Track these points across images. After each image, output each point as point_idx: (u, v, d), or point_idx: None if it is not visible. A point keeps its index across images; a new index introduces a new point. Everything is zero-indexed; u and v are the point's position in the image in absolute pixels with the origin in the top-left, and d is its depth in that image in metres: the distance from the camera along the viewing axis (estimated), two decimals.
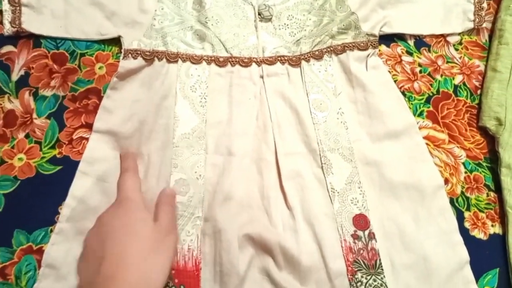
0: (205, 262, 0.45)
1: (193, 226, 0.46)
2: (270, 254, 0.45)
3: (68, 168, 0.48)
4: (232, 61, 0.54)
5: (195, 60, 0.53)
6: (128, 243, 0.38)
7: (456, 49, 0.58)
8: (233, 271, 0.44)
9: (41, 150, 0.49)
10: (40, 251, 0.45)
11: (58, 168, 0.49)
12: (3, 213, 0.46)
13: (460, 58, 0.58)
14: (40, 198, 0.47)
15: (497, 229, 0.50)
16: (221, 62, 0.54)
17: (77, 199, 0.47)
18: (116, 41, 0.54)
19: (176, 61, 0.53)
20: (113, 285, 0.34)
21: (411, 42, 0.58)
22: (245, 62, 0.54)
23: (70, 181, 0.47)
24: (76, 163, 0.48)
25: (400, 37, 0.58)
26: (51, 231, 0.46)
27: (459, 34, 0.59)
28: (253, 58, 0.54)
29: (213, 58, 0.54)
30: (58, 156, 0.49)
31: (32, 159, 0.49)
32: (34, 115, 0.51)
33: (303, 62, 0.54)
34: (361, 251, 0.46)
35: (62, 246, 0.45)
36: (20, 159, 0.49)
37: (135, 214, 0.41)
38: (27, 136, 0.50)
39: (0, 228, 0.46)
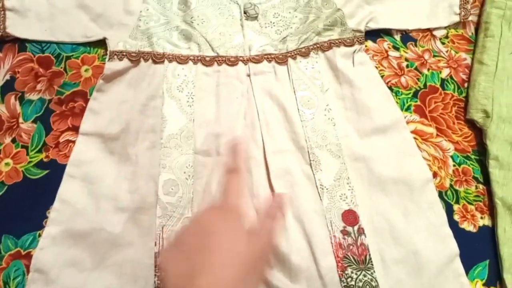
0: None
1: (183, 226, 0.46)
2: None
3: (55, 172, 0.47)
4: (219, 60, 0.53)
5: (182, 60, 0.53)
6: (228, 263, 0.34)
7: (443, 43, 0.58)
8: None
9: (28, 154, 0.49)
10: (29, 256, 0.44)
11: (45, 172, 0.48)
12: None
13: (446, 51, 0.58)
14: (28, 203, 0.46)
15: (486, 221, 0.50)
16: (207, 62, 0.53)
17: (65, 202, 0.46)
18: (101, 43, 0.54)
19: (162, 62, 0.53)
20: None
21: (397, 37, 0.58)
22: (231, 61, 0.53)
23: (58, 184, 0.46)
24: (63, 167, 0.47)
25: (386, 32, 0.58)
26: (39, 235, 0.45)
27: (445, 28, 0.59)
28: (240, 57, 0.54)
29: (199, 57, 0.53)
30: (45, 160, 0.48)
31: (19, 163, 0.48)
32: (21, 120, 0.50)
33: (290, 60, 0.54)
34: (351, 247, 0.46)
35: (51, 250, 0.44)
36: (7, 164, 0.48)
37: (237, 228, 0.37)
38: (13, 140, 0.49)
39: None
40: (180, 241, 0.36)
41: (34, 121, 0.50)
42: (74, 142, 0.49)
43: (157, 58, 0.53)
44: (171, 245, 0.37)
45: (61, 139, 0.49)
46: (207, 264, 0.33)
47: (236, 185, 0.40)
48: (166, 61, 0.53)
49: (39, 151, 0.49)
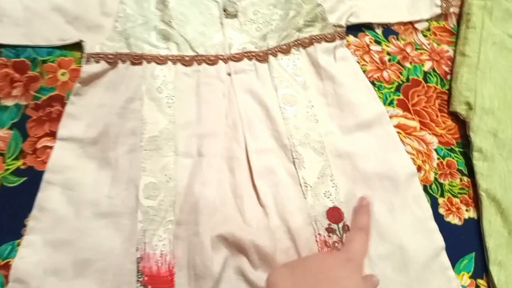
0: (179, 267, 0.44)
1: (165, 230, 0.45)
2: (244, 253, 0.44)
3: (33, 179, 0.46)
4: (198, 60, 0.52)
5: (160, 60, 0.52)
6: None
7: (425, 36, 0.58)
8: (207, 273, 0.42)
9: (4, 162, 0.47)
10: (7, 266, 0.43)
11: (23, 179, 0.47)
12: None
13: (428, 44, 0.57)
14: (5, 212, 0.45)
15: (471, 214, 0.50)
16: (187, 61, 0.52)
17: (44, 210, 0.45)
18: (78, 46, 0.52)
19: (141, 63, 0.52)
20: None
21: (379, 31, 0.57)
22: (211, 60, 0.52)
23: (36, 192, 0.45)
24: (41, 173, 0.46)
25: (367, 27, 0.58)
26: (18, 244, 0.44)
27: (427, 20, 0.59)
28: (220, 55, 0.53)
29: (178, 57, 0.52)
30: (22, 167, 0.47)
31: None
32: None
33: (271, 57, 0.53)
34: (336, 244, 0.46)
35: (30, 259, 0.43)
36: None
37: (360, 281, 0.36)
38: None
39: None
40: (299, 274, 0.36)
41: (10, 128, 0.49)
42: (51, 148, 0.47)
43: (135, 59, 0.51)
44: (288, 270, 0.36)
45: (38, 145, 0.48)
46: None
47: (363, 244, 0.39)
48: (144, 62, 0.52)
49: (16, 158, 0.47)
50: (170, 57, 0.52)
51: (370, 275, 0.38)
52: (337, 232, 0.46)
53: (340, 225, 0.46)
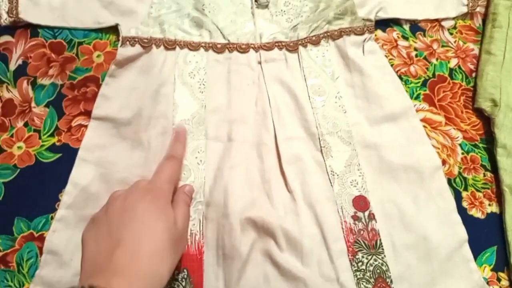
0: (207, 247, 0.45)
1: (195, 211, 0.45)
2: (272, 236, 0.45)
3: (67, 156, 0.47)
4: (230, 48, 0.53)
5: (193, 47, 0.53)
6: (147, 236, 0.35)
7: (451, 33, 0.58)
8: (235, 254, 0.43)
9: (40, 138, 0.48)
10: (42, 238, 0.44)
11: (58, 155, 0.48)
12: (3, 201, 0.45)
13: (454, 42, 0.58)
14: (40, 186, 0.46)
15: (494, 208, 0.50)
16: (218, 49, 0.53)
17: (77, 186, 0.46)
18: (113, 30, 0.53)
19: (174, 48, 0.52)
20: (123, 276, 0.32)
21: (406, 27, 0.58)
22: (242, 48, 0.53)
23: (70, 168, 0.46)
24: (76, 151, 0.47)
25: (395, 22, 0.58)
26: (52, 218, 0.45)
27: (453, 18, 0.59)
28: (251, 44, 0.53)
29: (210, 44, 0.53)
30: (57, 144, 0.48)
31: (31, 147, 0.48)
32: (33, 104, 0.49)
33: (301, 48, 0.53)
34: (362, 232, 0.46)
35: (63, 233, 0.44)
36: (19, 147, 0.48)
37: (162, 207, 0.38)
38: (26, 124, 0.49)
39: (1, 216, 0.45)
40: (103, 218, 0.37)
41: (47, 106, 0.49)
42: (86, 126, 0.48)
43: (169, 45, 0.52)
44: (93, 224, 0.37)
45: (73, 124, 0.49)
46: (127, 237, 0.35)
47: (169, 171, 0.42)
48: (177, 48, 0.52)
49: (52, 135, 0.48)
50: (203, 44, 0.53)
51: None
52: (363, 220, 0.46)
53: (366, 213, 0.47)
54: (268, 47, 0.53)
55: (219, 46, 0.53)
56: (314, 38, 0.54)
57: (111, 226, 0.36)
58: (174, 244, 0.37)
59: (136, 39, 0.51)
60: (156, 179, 0.41)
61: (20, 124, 0.48)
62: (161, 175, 0.42)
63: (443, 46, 0.57)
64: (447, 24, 0.58)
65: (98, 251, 0.35)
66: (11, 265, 0.43)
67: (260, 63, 0.53)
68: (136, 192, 0.39)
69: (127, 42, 0.51)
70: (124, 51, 0.51)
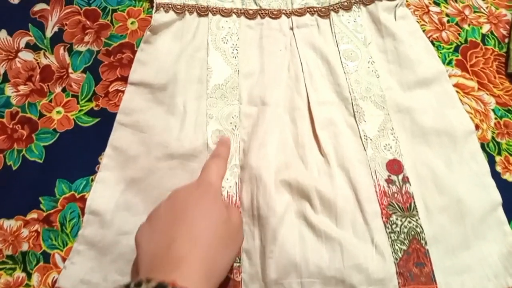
0: (243, 207, 0.43)
1: (231, 173, 0.44)
2: (306, 198, 0.43)
3: (106, 120, 0.46)
4: (262, 13, 0.51)
5: (225, 13, 0.51)
6: (203, 228, 0.34)
7: None
8: (270, 214, 0.41)
9: (78, 103, 0.47)
10: (83, 199, 0.43)
11: (96, 120, 0.46)
12: (45, 164, 0.44)
13: (486, 8, 0.54)
14: (80, 149, 0.45)
15: None
16: (250, 15, 0.51)
17: (116, 149, 0.45)
18: None
19: (207, 15, 0.50)
20: (184, 266, 0.31)
21: None
22: (274, 14, 0.51)
23: (109, 132, 0.45)
24: (114, 115, 0.45)
25: None
26: (92, 180, 0.44)
27: None
28: (283, 10, 0.51)
29: (242, 10, 0.51)
30: (95, 108, 0.47)
31: (70, 112, 0.47)
32: (70, 70, 0.48)
33: (332, 13, 0.51)
34: (396, 195, 0.44)
35: (104, 194, 0.43)
36: (58, 112, 0.46)
37: (213, 201, 0.36)
38: (64, 90, 0.47)
39: (43, 178, 0.44)
40: (156, 217, 0.35)
41: (84, 71, 0.48)
42: (123, 91, 0.47)
43: (201, 11, 0.50)
44: (147, 222, 0.36)
45: (110, 89, 0.48)
46: (183, 233, 0.33)
47: (216, 167, 0.41)
48: (210, 14, 0.50)
49: (89, 100, 0.47)
50: (235, 10, 0.51)
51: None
52: (397, 183, 0.45)
53: (400, 176, 0.45)
54: (300, 12, 0.51)
55: (250, 12, 0.51)
56: (345, 3, 0.51)
57: (164, 224, 0.34)
58: (230, 238, 0.35)
59: (170, 5, 0.49)
60: (204, 175, 0.40)
61: (58, 89, 0.47)
62: (209, 171, 0.40)
63: (475, 12, 0.54)
64: None
65: (154, 249, 0.33)
66: (55, 225, 0.42)
67: (292, 28, 0.51)
68: (185, 189, 0.37)
69: (161, 8, 0.49)
70: (158, 17, 0.49)
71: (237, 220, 0.37)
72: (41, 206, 0.43)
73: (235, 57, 0.49)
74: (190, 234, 0.33)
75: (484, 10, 0.54)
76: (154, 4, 0.49)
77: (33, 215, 0.42)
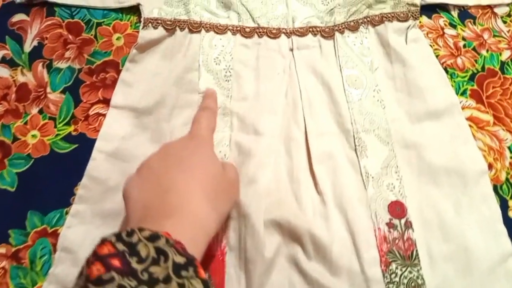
0: (230, 247, 0.40)
1: None
2: (299, 242, 0.39)
3: (84, 146, 0.42)
4: (260, 32, 0.46)
5: (220, 29, 0.46)
6: (197, 180, 0.33)
7: (504, 22, 0.50)
8: (258, 258, 0.38)
9: (55, 126, 0.43)
10: (55, 234, 0.39)
11: (74, 146, 0.42)
12: (16, 193, 0.41)
13: (508, 31, 0.50)
14: (55, 178, 0.41)
15: None
16: (247, 33, 0.46)
17: (94, 179, 0.41)
18: (135, 10, 0.47)
19: (199, 31, 0.46)
20: (175, 218, 0.30)
21: (454, 14, 0.50)
22: (273, 33, 0.46)
23: (87, 160, 0.41)
24: (93, 141, 0.42)
25: (443, 8, 0.50)
26: (67, 213, 0.40)
27: (507, 5, 0.51)
28: (282, 29, 0.46)
29: (238, 28, 0.46)
30: (73, 133, 0.43)
31: (46, 136, 0.43)
32: (48, 89, 0.44)
33: (337, 34, 0.46)
34: (397, 241, 0.40)
35: (78, 229, 0.39)
36: (33, 136, 0.43)
37: (209, 153, 0.36)
38: (40, 111, 0.44)
39: (14, 209, 0.40)
40: (147, 168, 0.34)
41: (63, 92, 0.44)
42: (104, 115, 0.43)
43: (194, 27, 0.46)
44: (136, 175, 0.34)
45: (91, 112, 0.44)
46: (177, 181, 0.32)
47: (206, 119, 0.40)
48: (203, 31, 0.46)
49: (68, 123, 0.43)
50: (230, 27, 0.46)
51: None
52: (399, 228, 0.40)
53: (403, 221, 0.41)
54: (301, 32, 0.46)
55: (247, 30, 0.46)
56: (352, 23, 0.47)
57: (158, 173, 0.33)
58: (225, 191, 0.35)
59: (159, 21, 0.45)
60: (195, 129, 0.39)
61: (34, 110, 0.43)
62: (199, 125, 0.39)
63: (494, 36, 0.49)
64: (500, 11, 0.50)
65: (147, 200, 0.32)
66: (24, 262, 0.39)
67: (292, 50, 0.46)
68: (178, 141, 0.37)
69: (149, 24, 0.45)
70: (146, 34, 0.45)
71: (233, 175, 0.38)
72: (10, 240, 0.39)
73: (228, 80, 0.45)
74: (184, 185, 0.32)
75: (505, 34, 0.49)
76: (142, 19, 0.45)
77: (1, 250, 0.39)
